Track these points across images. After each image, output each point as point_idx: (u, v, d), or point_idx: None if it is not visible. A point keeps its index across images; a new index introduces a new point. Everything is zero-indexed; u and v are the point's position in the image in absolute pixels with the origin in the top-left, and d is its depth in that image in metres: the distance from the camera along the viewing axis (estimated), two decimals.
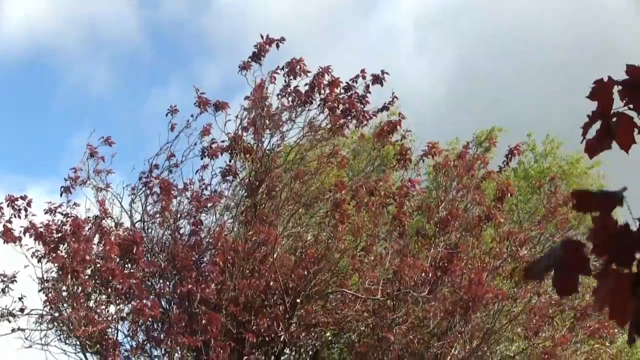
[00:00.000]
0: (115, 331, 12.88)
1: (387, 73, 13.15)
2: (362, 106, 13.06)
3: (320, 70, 13.01)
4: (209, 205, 12.93)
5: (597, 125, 3.03)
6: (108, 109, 47.58)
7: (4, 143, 44.00)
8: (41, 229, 12.67)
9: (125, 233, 13.06)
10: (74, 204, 13.17)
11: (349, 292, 12.92)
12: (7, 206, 12.79)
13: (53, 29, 49.15)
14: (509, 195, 14.23)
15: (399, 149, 13.57)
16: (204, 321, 11.88)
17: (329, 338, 13.92)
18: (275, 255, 12.40)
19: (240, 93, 13.22)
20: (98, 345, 12.43)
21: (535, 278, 2.88)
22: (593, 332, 14.60)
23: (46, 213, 12.97)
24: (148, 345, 12.87)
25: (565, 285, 2.77)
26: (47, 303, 12.78)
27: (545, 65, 39.50)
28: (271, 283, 12.42)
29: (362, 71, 13.14)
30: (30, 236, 12.70)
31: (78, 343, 12.71)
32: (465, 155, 14.11)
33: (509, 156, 14.49)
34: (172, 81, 48.33)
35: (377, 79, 13.10)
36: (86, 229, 12.90)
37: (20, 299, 12.79)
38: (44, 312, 12.82)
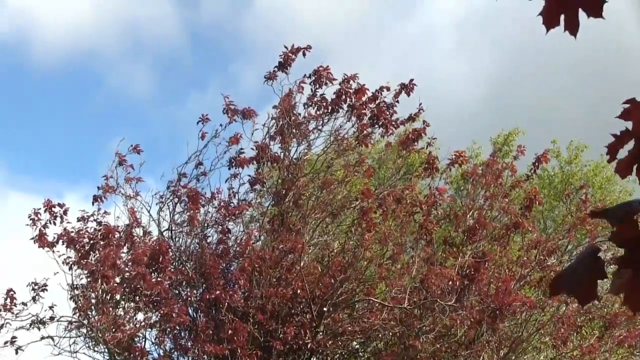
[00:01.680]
0: (143, 339, 12.95)
1: (415, 84, 13.13)
2: (389, 115, 13.05)
3: (346, 77, 13.02)
4: (237, 213, 12.96)
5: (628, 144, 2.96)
6: (147, 112, 47.76)
7: (43, 149, 44.45)
8: (73, 235, 12.81)
9: (153, 242, 13.13)
10: (105, 212, 13.28)
11: (376, 300, 12.89)
12: (45, 211, 12.94)
13: (94, 31, 49.41)
14: (537, 203, 14.15)
15: (426, 157, 13.54)
16: (230, 330, 11.90)
17: (356, 346, 13.88)
18: (302, 264, 12.40)
19: (276, 98, 13.20)
20: (126, 353, 12.49)
21: (560, 292, 2.85)
22: (622, 340, 14.46)
23: (79, 221, 13.10)
24: (175, 353, 12.91)
25: (585, 293, 2.74)
26: (77, 310, 12.88)
27: (586, 71, 39.06)
28: (298, 291, 12.42)
29: (387, 83, 13.13)
30: (63, 243, 12.83)
31: (106, 350, 12.77)
32: (493, 163, 14.05)
33: (536, 164, 14.42)
34: (211, 83, 48.34)
35: (406, 88, 13.09)
36: (117, 236, 13.00)
37: (50, 307, 12.89)
38: (73, 319, 12.92)
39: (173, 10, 50.52)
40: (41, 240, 12.81)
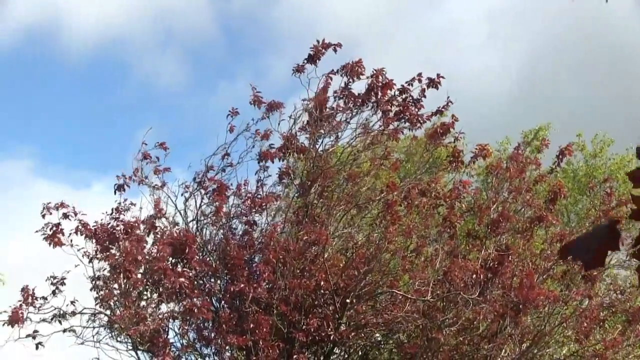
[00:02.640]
0: (166, 330, 12.98)
1: (442, 77, 13.09)
2: (416, 109, 13.02)
3: (375, 72, 12.99)
4: (263, 205, 12.94)
5: None
6: (176, 102, 47.65)
7: (72, 138, 44.61)
8: (94, 227, 12.85)
9: (179, 232, 13.15)
10: (131, 203, 13.29)
11: (399, 292, 12.88)
12: (57, 210, 12.93)
13: (124, 20, 49.35)
14: (561, 197, 14.08)
15: (451, 150, 13.50)
16: (252, 322, 11.92)
17: (378, 338, 13.88)
18: (325, 255, 12.41)
19: (304, 90, 13.17)
20: (149, 343, 12.54)
21: (568, 256, 2.79)
22: None
23: (111, 213, 13.11)
24: (198, 344, 12.94)
25: (591, 259, 2.67)
26: (99, 301, 12.92)
27: (620, 65, 38.54)
28: (321, 283, 12.42)
29: (419, 75, 13.09)
30: (82, 234, 12.86)
31: (129, 341, 12.82)
32: (518, 157, 13.98)
33: (560, 156, 14.35)
34: (240, 74, 48.18)
35: (433, 83, 13.04)
36: (141, 228, 13.01)
37: (72, 302, 12.89)
38: (96, 311, 12.96)
39: (206, 0, 50.45)
40: (54, 240, 12.81)
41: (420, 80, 13.07)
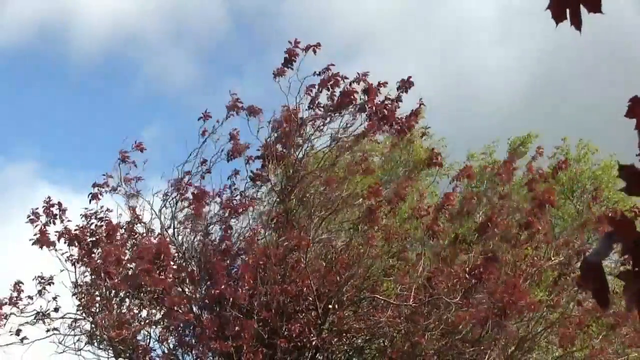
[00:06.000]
0: (147, 337, 12.91)
1: (412, 82, 12.94)
2: (400, 117, 12.92)
3: (358, 76, 12.85)
4: (241, 211, 12.84)
5: None
6: (185, 100, 46.69)
7: (77, 139, 43.84)
8: (76, 232, 12.79)
9: (156, 239, 13.06)
10: (107, 209, 13.23)
11: (381, 297, 12.79)
12: (43, 212, 12.90)
13: (136, 16, 48.34)
14: (551, 205, 14.05)
15: (429, 154, 13.46)
16: (236, 327, 11.79)
17: (361, 344, 13.78)
18: (306, 261, 12.30)
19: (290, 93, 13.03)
20: (130, 351, 12.44)
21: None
22: (630, 340, 14.29)
23: (81, 217, 13.07)
24: (179, 350, 12.82)
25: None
26: (81, 307, 12.86)
27: (636, 65, 38.20)
28: (303, 289, 12.32)
29: (409, 79, 12.99)
30: (65, 241, 12.80)
31: (110, 349, 12.72)
32: (509, 166, 14.09)
33: (557, 169, 14.55)
34: (249, 70, 47.34)
35: (405, 85, 12.92)
36: (119, 233, 12.95)
37: (54, 298, 12.92)
38: (77, 316, 12.92)
39: None
40: (42, 240, 12.75)
41: (410, 85, 12.89)
